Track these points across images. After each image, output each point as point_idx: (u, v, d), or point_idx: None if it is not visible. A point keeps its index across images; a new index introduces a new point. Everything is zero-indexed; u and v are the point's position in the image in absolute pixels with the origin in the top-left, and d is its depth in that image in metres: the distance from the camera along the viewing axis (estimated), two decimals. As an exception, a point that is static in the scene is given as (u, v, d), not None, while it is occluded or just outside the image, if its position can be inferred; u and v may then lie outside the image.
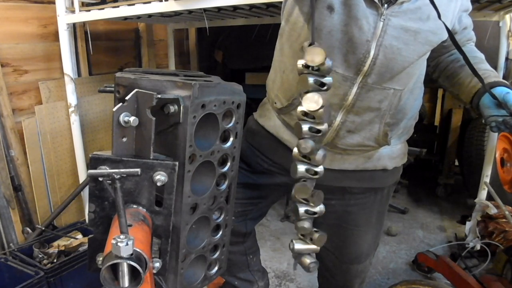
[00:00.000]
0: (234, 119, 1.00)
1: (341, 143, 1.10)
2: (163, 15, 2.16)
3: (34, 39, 2.20)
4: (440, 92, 3.83)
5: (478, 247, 2.19)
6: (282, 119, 1.21)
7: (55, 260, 1.85)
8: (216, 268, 1.14)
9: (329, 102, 0.84)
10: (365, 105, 1.04)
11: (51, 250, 1.91)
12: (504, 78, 2.03)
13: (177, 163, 0.84)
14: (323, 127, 0.83)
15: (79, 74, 2.48)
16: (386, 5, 0.94)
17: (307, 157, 0.87)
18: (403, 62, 0.99)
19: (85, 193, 2.30)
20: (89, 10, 2.07)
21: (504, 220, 2.17)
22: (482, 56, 1.14)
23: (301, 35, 1.06)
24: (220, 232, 1.10)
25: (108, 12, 2.00)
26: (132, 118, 0.80)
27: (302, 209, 0.92)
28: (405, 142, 1.24)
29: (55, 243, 1.96)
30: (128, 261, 0.67)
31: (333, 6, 0.95)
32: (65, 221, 2.35)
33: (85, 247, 1.90)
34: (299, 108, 0.83)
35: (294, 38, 1.08)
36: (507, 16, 2.02)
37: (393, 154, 1.18)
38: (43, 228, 2.04)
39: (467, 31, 1.12)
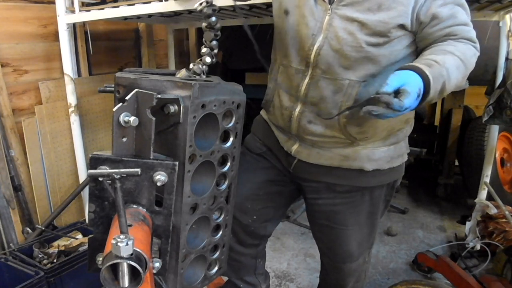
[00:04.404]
0: (234, 119, 1.00)
1: (306, 133, 1.17)
2: (163, 15, 2.16)
3: (34, 39, 2.20)
4: (440, 92, 3.82)
5: (478, 247, 2.19)
6: None
7: (55, 260, 1.85)
8: (216, 268, 1.14)
9: None
10: (318, 95, 1.11)
11: (51, 250, 1.91)
12: (504, 78, 2.05)
13: (177, 163, 0.84)
14: None
15: (79, 74, 2.48)
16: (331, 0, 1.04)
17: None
18: (352, 51, 1.03)
19: (85, 193, 2.30)
20: (89, 10, 2.07)
21: (504, 220, 2.17)
22: (451, 49, 0.98)
23: (276, 28, 1.21)
24: (220, 232, 1.10)
25: (108, 12, 2.01)
26: (132, 118, 0.81)
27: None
28: (396, 145, 1.20)
29: (55, 243, 1.96)
30: (128, 261, 0.67)
31: (288, 10, 1.12)
32: (65, 221, 2.35)
33: (85, 247, 1.90)
34: None
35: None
36: (507, 16, 2.01)
37: (373, 156, 1.16)
38: (43, 228, 2.04)
39: (443, 23, 0.99)
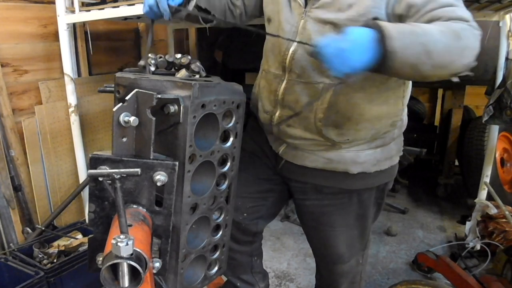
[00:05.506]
0: (234, 119, 1.00)
1: (286, 136, 1.19)
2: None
3: (34, 39, 2.20)
4: (440, 92, 3.83)
5: (478, 247, 2.19)
6: None
7: (55, 260, 1.85)
8: (216, 268, 1.14)
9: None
10: (293, 99, 1.12)
11: (51, 250, 1.91)
12: (504, 78, 2.05)
13: (177, 163, 0.84)
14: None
15: (79, 74, 2.48)
16: (305, 3, 1.05)
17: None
18: None
19: (85, 193, 2.29)
20: (89, 10, 2.07)
21: (504, 220, 2.17)
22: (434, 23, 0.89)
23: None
24: (220, 232, 1.10)
25: (108, 12, 2.00)
26: (132, 118, 0.81)
27: None
28: (383, 148, 1.18)
29: (55, 243, 1.96)
30: (128, 261, 0.67)
31: (270, 17, 1.15)
32: (65, 221, 2.35)
33: (85, 247, 1.90)
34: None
35: None
36: (507, 16, 2.01)
37: (358, 159, 1.15)
38: (43, 228, 2.04)
39: (422, 10, 0.92)
